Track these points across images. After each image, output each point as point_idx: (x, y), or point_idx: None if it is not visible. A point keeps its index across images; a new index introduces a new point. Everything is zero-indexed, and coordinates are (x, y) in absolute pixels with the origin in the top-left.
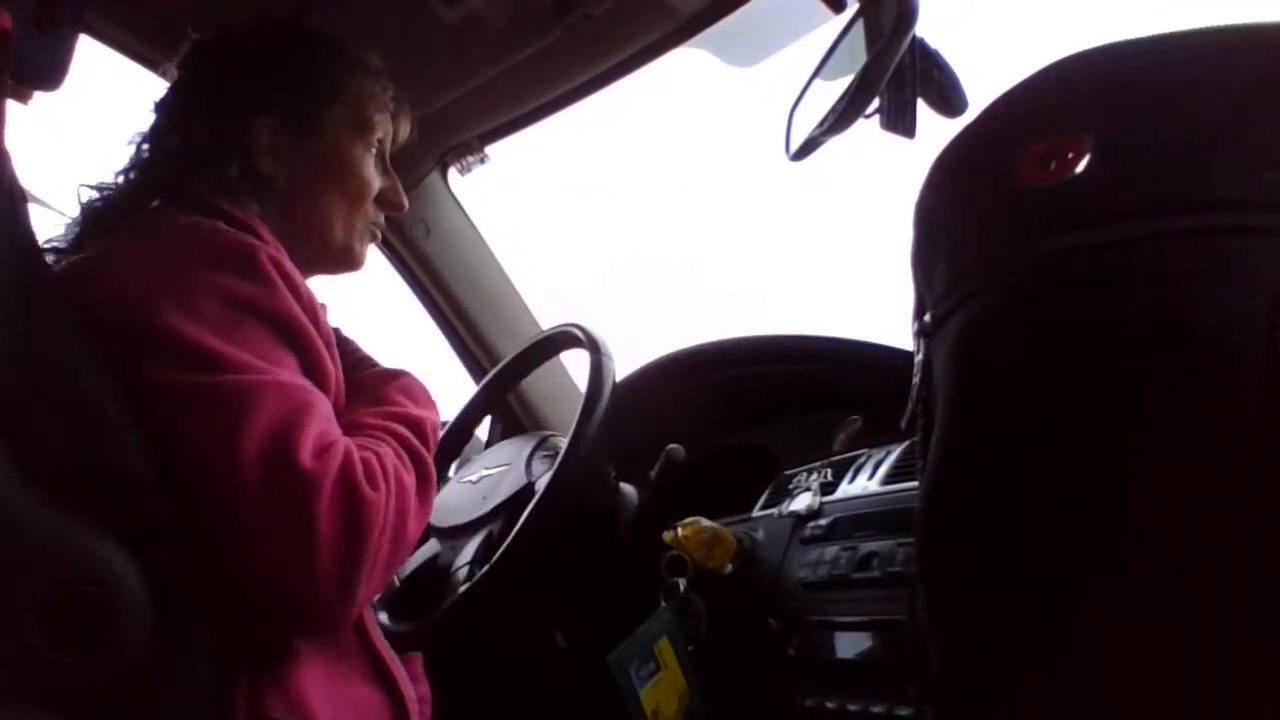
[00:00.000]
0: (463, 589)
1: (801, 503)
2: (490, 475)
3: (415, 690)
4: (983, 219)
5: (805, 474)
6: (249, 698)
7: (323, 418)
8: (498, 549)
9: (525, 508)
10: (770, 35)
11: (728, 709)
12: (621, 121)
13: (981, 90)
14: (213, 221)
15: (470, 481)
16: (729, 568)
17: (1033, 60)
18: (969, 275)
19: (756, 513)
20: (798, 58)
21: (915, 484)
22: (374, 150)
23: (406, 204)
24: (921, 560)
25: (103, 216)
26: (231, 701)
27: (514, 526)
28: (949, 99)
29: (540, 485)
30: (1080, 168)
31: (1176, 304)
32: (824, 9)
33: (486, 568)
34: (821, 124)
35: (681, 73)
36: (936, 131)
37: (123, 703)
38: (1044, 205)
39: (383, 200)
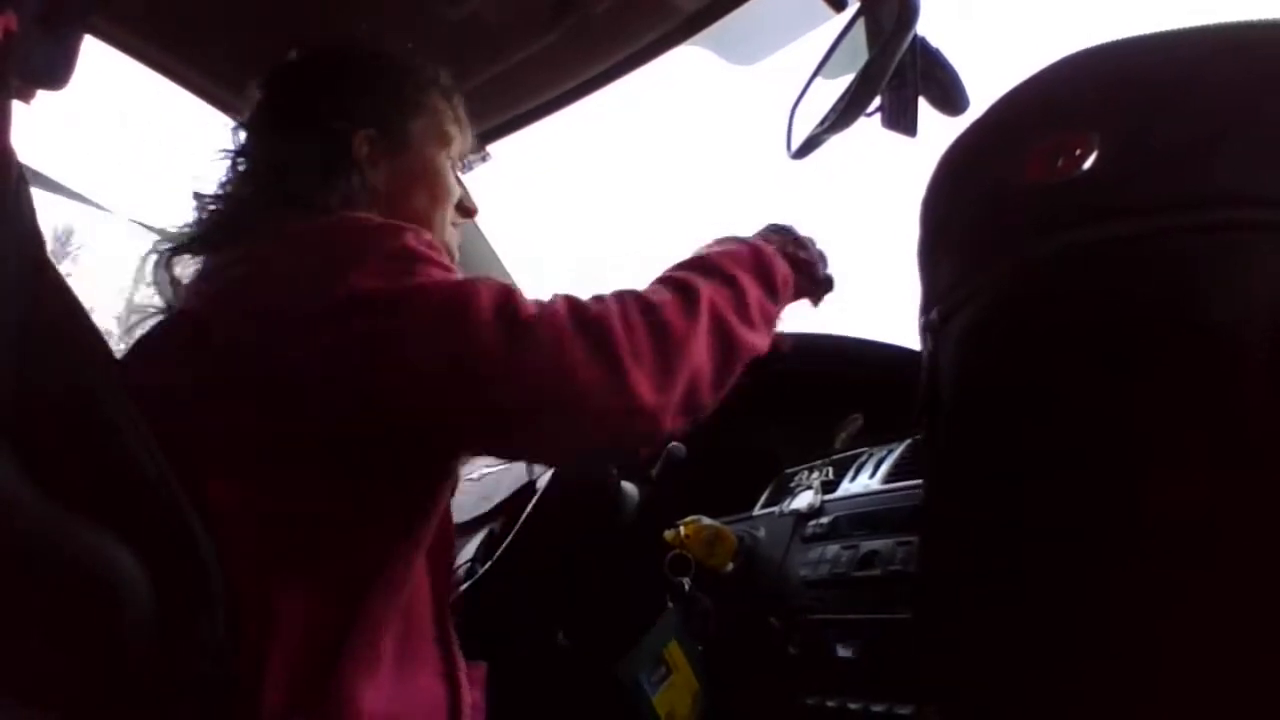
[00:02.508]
0: (464, 587)
1: (803, 501)
2: (491, 473)
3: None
4: (990, 215)
5: (806, 472)
6: (306, 686)
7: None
8: (499, 547)
9: (526, 506)
10: (771, 34)
11: (729, 707)
12: (621, 120)
13: (982, 89)
14: (355, 215)
15: (471, 480)
16: (730, 566)
17: (1033, 59)
18: (976, 271)
19: (758, 511)
20: (799, 56)
21: (917, 482)
22: (450, 160)
23: (479, 209)
24: (924, 557)
25: (229, 225)
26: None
27: (515, 525)
28: (950, 97)
29: (541, 484)
30: (1087, 164)
31: (1183, 299)
32: (825, 7)
33: (487, 566)
34: (823, 122)
35: (682, 72)
36: (938, 130)
37: (124, 702)
38: (1051, 201)
39: (460, 207)
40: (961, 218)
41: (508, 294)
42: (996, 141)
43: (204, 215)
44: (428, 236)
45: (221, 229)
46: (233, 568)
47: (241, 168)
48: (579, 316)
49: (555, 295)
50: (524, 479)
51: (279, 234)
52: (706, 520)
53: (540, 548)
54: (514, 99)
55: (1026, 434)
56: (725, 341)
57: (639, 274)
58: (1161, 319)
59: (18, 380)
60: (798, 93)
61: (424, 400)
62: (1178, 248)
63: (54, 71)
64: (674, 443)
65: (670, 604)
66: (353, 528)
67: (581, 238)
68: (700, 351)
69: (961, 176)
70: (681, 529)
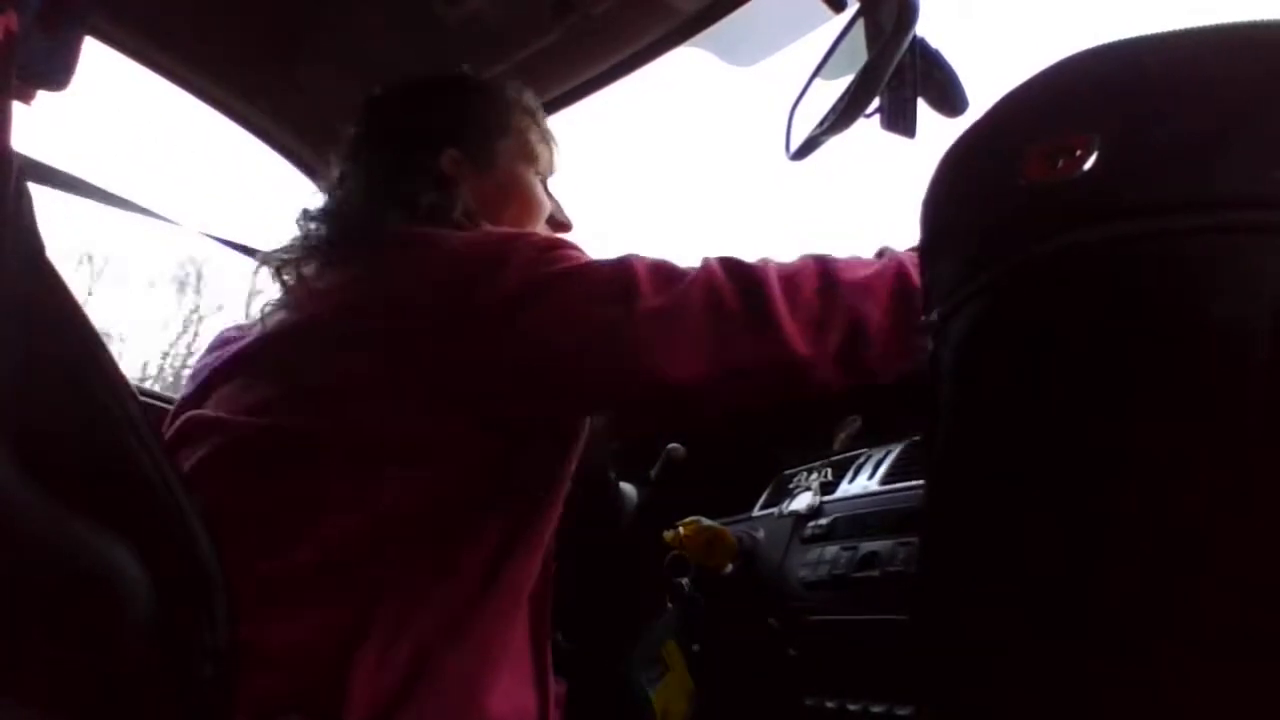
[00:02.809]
0: None
1: (802, 502)
2: None
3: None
4: (990, 216)
5: (805, 473)
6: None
7: None
8: None
9: None
10: (770, 35)
11: (728, 708)
12: (621, 120)
13: (982, 90)
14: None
15: None
16: (729, 567)
17: (1033, 60)
18: (976, 272)
19: (757, 512)
20: (798, 57)
21: (916, 483)
22: (539, 176)
23: (574, 224)
24: (924, 558)
25: (349, 237)
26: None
27: None
28: (949, 98)
29: None
30: (1087, 165)
31: (1184, 301)
32: (824, 8)
33: None
34: (822, 123)
35: (682, 72)
36: (938, 131)
37: (124, 702)
38: (1051, 202)
39: (553, 220)
40: (961, 218)
41: (659, 261)
42: (996, 142)
43: (315, 229)
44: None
45: (341, 241)
46: (348, 560)
47: (349, 188)
48: (734, 272)
49: (705, 259)
50: None
51: (405, 242)
52: (705, 521)
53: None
54: None
55: (1026, 435)
56: (897, 298)
57: None
58: (1162, 320)
59: (18, 380)
60: (797, 93)
61: (592, 377)
62: (1179, 249)
63: (54, 72)
64: (673, 444)
65: (669, 604)
66: (488, 512)
67: (580, 238)
68: (861, 305)
69: (961, 177)
70: (680, 530)
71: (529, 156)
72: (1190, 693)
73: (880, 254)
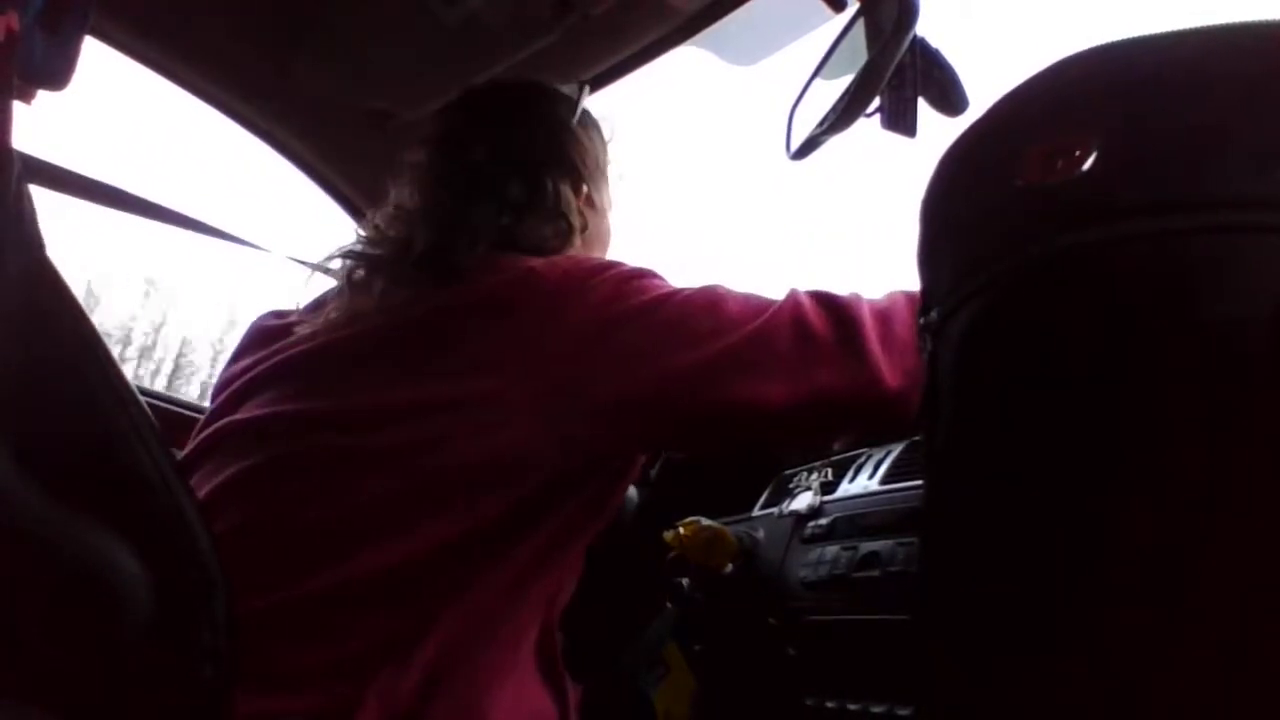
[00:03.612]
0: None
1: (802, 502)
2: None
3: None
4: (989, 216)
5: (805, 473)
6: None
7: None
8: None
9: None
10: (771, 34)
11: (728, 708)
12: (621, 120)
13: (982, 90)
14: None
15: None
16: (729, 567)
17: (1034, 60)
18: (975, 272)
19: (757, 512)
20: (798, 56)
21: (916, 483)
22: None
23: None
24: (924, 558)
25: (442, 256)
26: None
27: None
28: (950, 98)
29: None
30: (1086, 165)
31: (1184, 300)
32: (824, 8)
33: None
34: (822, 123)
35: (682, 72)
36: (938, 131)
37: (124, 703)
38: (1050, 203)
39: None
40: (961, 218)
41: (747, 293)
42: (996, 142)
43: (394, 238)
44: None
45: (428, 260)
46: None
47: (444, 201)
48: (826, 305)
49: (793, 289)
50: None
51: (495, 268)
52: (705, 521)
53: None
54: None
55: (1026, 435)
56: None
57: None
58: (1162, 320)
59: (18, 380)
60: (797, 93)
61: (681, 404)
62: (1179, 249)
63: (54, 71)
64: None
65: (669, 604)
66: (526, 535)
67: None
68: None
69: (961, 177)
70: (680, 530)
71: (613, 203)
72: (1191, 692)
73: None
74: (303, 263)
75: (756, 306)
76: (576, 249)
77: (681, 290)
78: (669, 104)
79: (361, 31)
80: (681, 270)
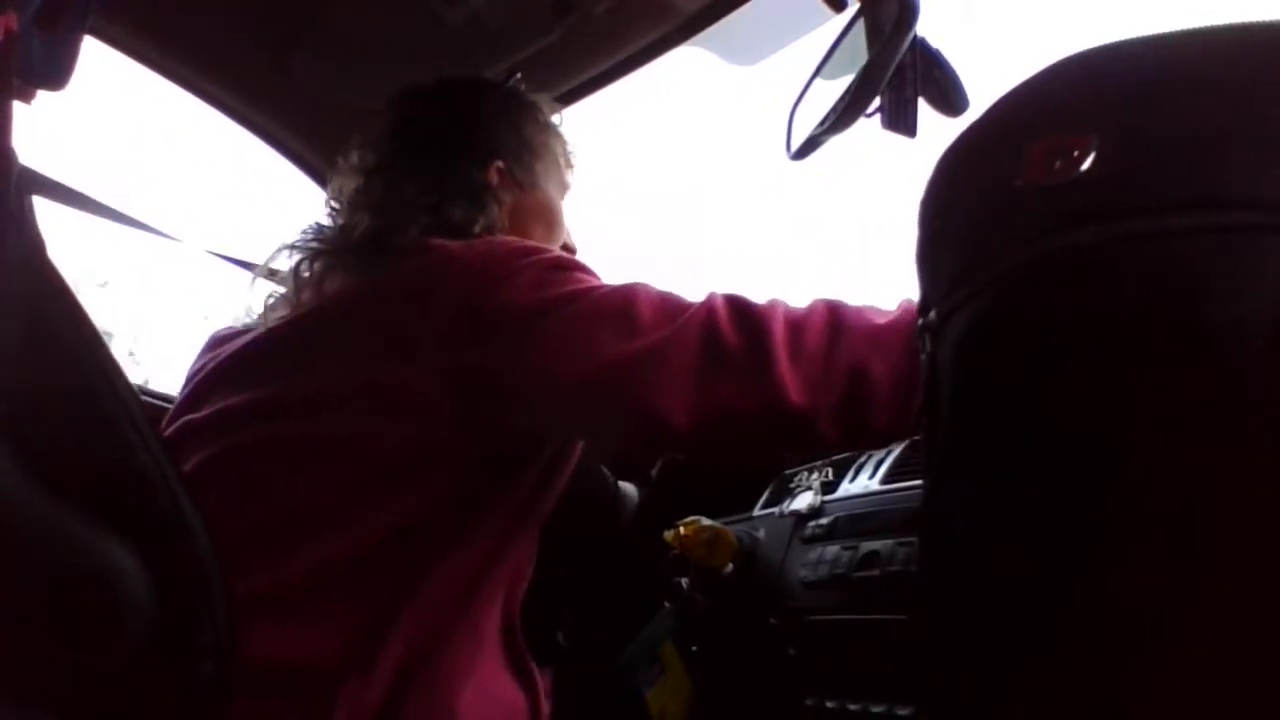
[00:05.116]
0: None
1: (802, 502)
2: None
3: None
4: (988, 216)
5: (806, 473)
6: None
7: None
8: None
9: None
10: (771, 34)
11: (728, 708)
12: (622, 120)
13: (982, 90)
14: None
15: None
16: (729, 567)
17: (1034, 61)
18: (974, 272)
19: (757, 512)
20: (798, 56)
21: (916, 483)
22: (563, 200)
23: (577, 250)
24: (924, 559)
25: (372, 241)
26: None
27: None
28: (950, 98)
29: None
30: (1086, 165)
31: (1183, 302)
32: (825, 8)
33: None
34: (822, 123)
35: (682, 72)
36: (938, 130)
37: (124, 701)
38: (1049, 203)
39: (563, 246)
40: (960, 219)
41: (665, 294)
42: (995, 142)
43: (331, 228)
44: (568, 255)
45: (361, 246)
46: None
47: (377, 189)
48: (739, 313)
49: (711, 294)
50: None
51: (420, 250)
52: (706, 521)
53: (539, 548)
54: None
55: (1026, 435)
56: (908, 354)
57: (636, 277)
58: (1162, 321)
59: (18, 380)
60: (798, 93)
61: (586, 405)
62: (1178, 250)
63: (54, 71)
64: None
65: (666, 603)
66: (480, 521)
67: (580, 238)
68: (868, 357)
69: (960, 177)
70: (681, 529)
71: (560, 181)
72: (1192, 692)
73: (901, 303)
74: (237, 261)
75: (670, 311)
76: (504, 228)
77: (599, 287)
78: (669, 104)
79: (361, 31)
80: (682, 270)
